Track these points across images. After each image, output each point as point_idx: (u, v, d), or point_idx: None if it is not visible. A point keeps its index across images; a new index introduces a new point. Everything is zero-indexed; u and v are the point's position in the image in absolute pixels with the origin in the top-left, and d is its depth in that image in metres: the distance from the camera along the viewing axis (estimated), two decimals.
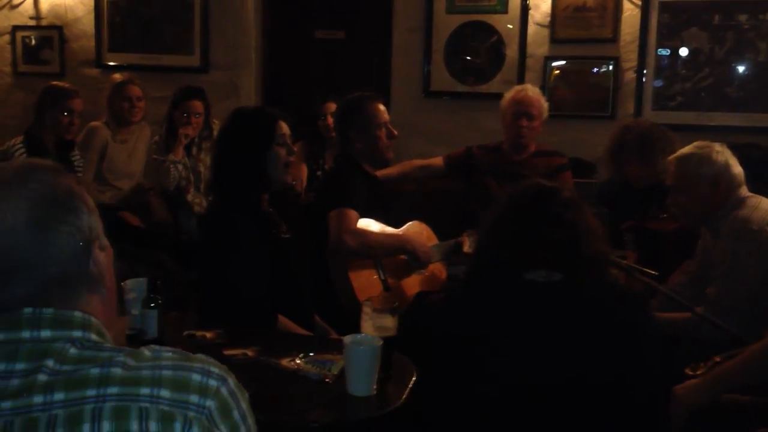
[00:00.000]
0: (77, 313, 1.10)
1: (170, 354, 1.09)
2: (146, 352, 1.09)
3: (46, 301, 1.08)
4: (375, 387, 1.93)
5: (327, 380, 1.99)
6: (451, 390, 1.92)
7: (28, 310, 1.07)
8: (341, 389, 1.93)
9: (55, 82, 4.31)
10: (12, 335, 1.06)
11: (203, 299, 2.61)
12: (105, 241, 1.18)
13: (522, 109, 3.82)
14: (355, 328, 2.07)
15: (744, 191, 2.76)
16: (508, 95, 3.91)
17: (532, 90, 3.91)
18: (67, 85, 4.27)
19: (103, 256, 1.16)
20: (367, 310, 2.08)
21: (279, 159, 2.60)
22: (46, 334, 1.07)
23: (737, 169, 2.76)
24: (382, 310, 2.07)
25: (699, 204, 2.76)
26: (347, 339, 1.95)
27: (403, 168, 4.02)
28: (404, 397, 1.94)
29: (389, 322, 2.07)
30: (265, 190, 2.63)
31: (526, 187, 1.97)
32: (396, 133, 3.30)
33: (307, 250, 2.84)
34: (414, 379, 2.03)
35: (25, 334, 1.06)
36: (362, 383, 1.91)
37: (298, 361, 2.08)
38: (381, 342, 1.94)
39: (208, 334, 2.28)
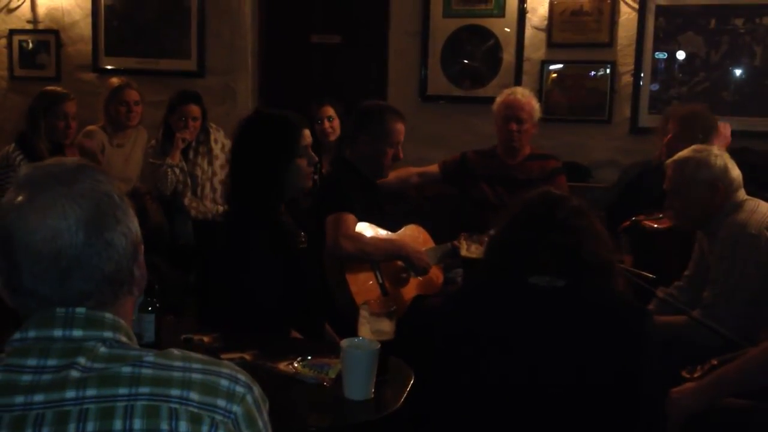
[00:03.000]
0: (108, 315, 1.12)
1: (199, 358, 1.11)
2: (175, 352, 1.11)
3: (96, 299, 1.11)
4: (372, 391, 1.93)
5: (324, 384, 1.99)
6: (450, 392, 1.92)
7: (60, 309, 1.09)
8: (338, 393, 1.93)
9: (47, 88, 4.28)
10: (44, 333, 1.08)
11: (215, 306, 2.55)
12: (143, 247, 1.20)
13: (511, 113, 3.82)
14: (352, 332, 2.07)
15: (742, 195, 2.76)
16: (499, 99, 3.92)
17: (521, 93, 3.90)
18: (59, 89, 4.24)
19: (142, 261, 1.19)
20: (364, 313, 2.08)
21: (300, 170, 2.55)
22: (78, 333, 1.09)
23: (735, 172, 2.75)
24: (379, 314, 2.07)
25: (696, 208, 2.76)
26: (344, 343, 1.95)
27: (400, 174, 4.01)
28: (402, 400, 1.94)
29: (386, 325, 2.06)
30: (283, 200, 2.58)
31: (536, 194, 1.99)
32: (402, 156, 3.31)
33: (320, 259, 2.80)
34: (411, 382, 2.03)
35: (57, 332, 1.08)
36: (360, 387, 1.91)
37: (295, 365, 2.07)
38: (378, 346, 1.94)
39: (206, 338, 2.27)
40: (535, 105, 3.89)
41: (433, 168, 4.09)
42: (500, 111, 3.88)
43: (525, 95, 3.89)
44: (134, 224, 1.16)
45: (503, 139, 3.89)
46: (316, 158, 2.65)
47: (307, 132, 2.59)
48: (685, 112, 3.63)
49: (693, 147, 2.84)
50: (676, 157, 2.84)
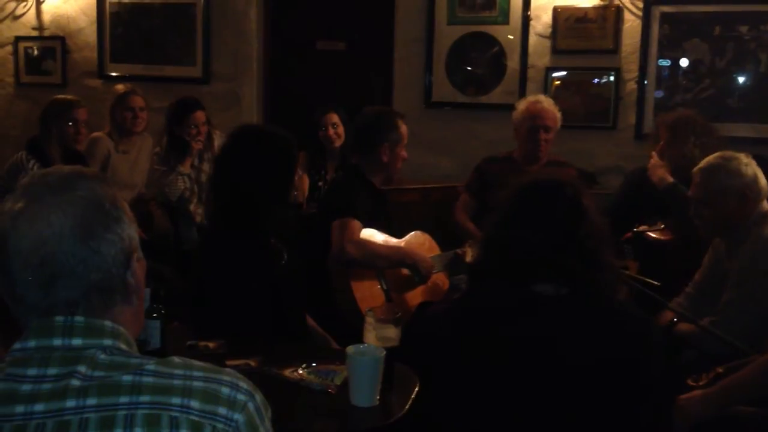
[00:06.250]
0: (107, 323, 1.12)
1: (201, 365, 1.11)
2: (176, 360, 1.10)
3: (84, 307, 1.10)
4: (378, 397, 1.92)
5: (330, 390, 1.99)
6: (453, 400, 1.91)
7: (59, 318, 1.10)
8: (344, 400, 1.93)
9: (58, 96, 4.34)
10: (44, 342, 1.09)
11: (209, 311, 2.56)
12: (141, 253, 1.19)
13: (539, 122, 3.79)
14: (357, 338, 2.06)
15: (765, 205, 2.68)
16: (522, 106, 3.87)
17: (546, 101, 3.87)
18: (69, 97, 4.31)
19: (139, 268, 1.18)
20: (370, 320, 2.07)
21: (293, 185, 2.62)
22: (77, 342, 1.09)
23: (763, 181, 2.68)
24: (385, 320, 2.07)
25: (725, 217, 2.68)
26: (350, 349, 1.94)
27: (461, 217, 3.96)
28: (407, 407, 1.94)
29: (392, 332, 2.06)
30: (269, 218, 2.56)
31: (529, 186, 1.89)
32: (406, 156, 3.33)
33: (304, 271, 2.79)
34: (417, 389, 2.02)
35: (57, 341, 1.08)
36: (365, 394, 1.91)
37: (300, 372, 2.07)
38: (384, 352, 1.94)
39: (211, 344, 2.27)
40: (558, 113, 3.87)
41: (464, 198, 4.03)
42: (526, 120, 3.82)
43: (550, 103, 3.86)
44: (128, 232, 1.15)
45: (529, 148, 3.83)
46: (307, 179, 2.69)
47: (301, 153, 2.60)
48: (675, 118, 3.62)
49: (720, 155, 2.74)
50: (704, 165, 2.74)
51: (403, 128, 3.29)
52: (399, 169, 3.33)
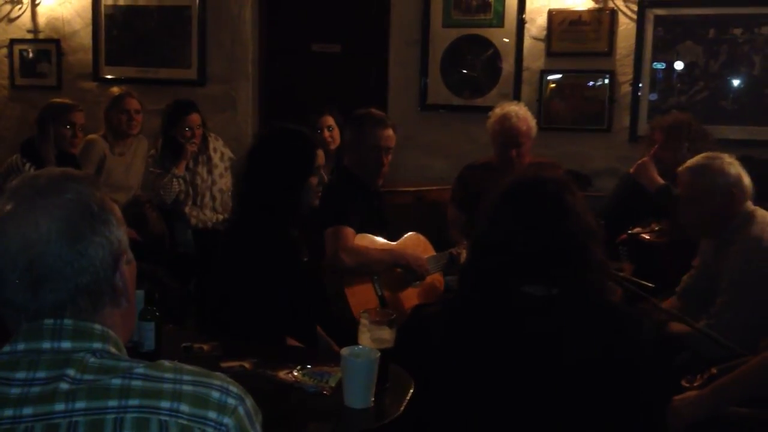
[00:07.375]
0: (97, 326, 1.11)
1: (191, 369, 1.10)
2: (166, 363, 1.10)
3: (72, 310, 1.10)
4: (372, 399, 1.93)
5: (324, 392, 1.99)
6: (447, 402, 1.91)
7: (48, 321, 1.09)
8: (339, 401, 1.93)
9: (55, 99, 4.34)
10: (33, 345, 1.08)
11: (216, 312, 2.57)
12: (130, 255, 1.18)
13: (510, 141, 3.73)
14: (352, 342, 2.06)
15: (750, 204, 2.72)
16: (494, 118, 3.80)
17: (516, 115, 3.75)
18: (68, 100, 4.31)
19: (128, 271, 1.17)
20: (364, 322, 2.07)
21: (311, 188, 2.61)
22: (66, 345, 1.08)
23: (747, 180, 2.72)
24: (379, 322, 2.07)
25: (713, 216, 2.71)
26: (344, 351, 1.95)
27: (457, 237, 3.86)
28: (402, 408, 1.94)
29: (387, 334, 2.06)
30: (293, 216, 2.60)
31: (514, 185, 1.86)
32: (386, 162, 3.26)
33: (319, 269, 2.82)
34: (411, 391, 2.02)
35: (46, 344, 1.08)
36: (360, 395, 1.91)
37: (295, 374, 2.07)
38: (378, 354, 1.94)
39: (205, 346, 2.27)
40: (532, 123, 3.80)
41: (451, 212, 3.98)
42: (497, 136, 3.78)
43: (520, 116, 3.76)
44: (116, 235, 1.14)
45: (502, 160, 3.79)
46: (325, 178, 2.69)
47: (321, 152, 2.64)
48: (670, 122, 3.64)
49: (704, 155, 2.80)
50: (690, 165, 2.79)
51: (371, 130, 3.23)
52: (378, 172, 3.26)
